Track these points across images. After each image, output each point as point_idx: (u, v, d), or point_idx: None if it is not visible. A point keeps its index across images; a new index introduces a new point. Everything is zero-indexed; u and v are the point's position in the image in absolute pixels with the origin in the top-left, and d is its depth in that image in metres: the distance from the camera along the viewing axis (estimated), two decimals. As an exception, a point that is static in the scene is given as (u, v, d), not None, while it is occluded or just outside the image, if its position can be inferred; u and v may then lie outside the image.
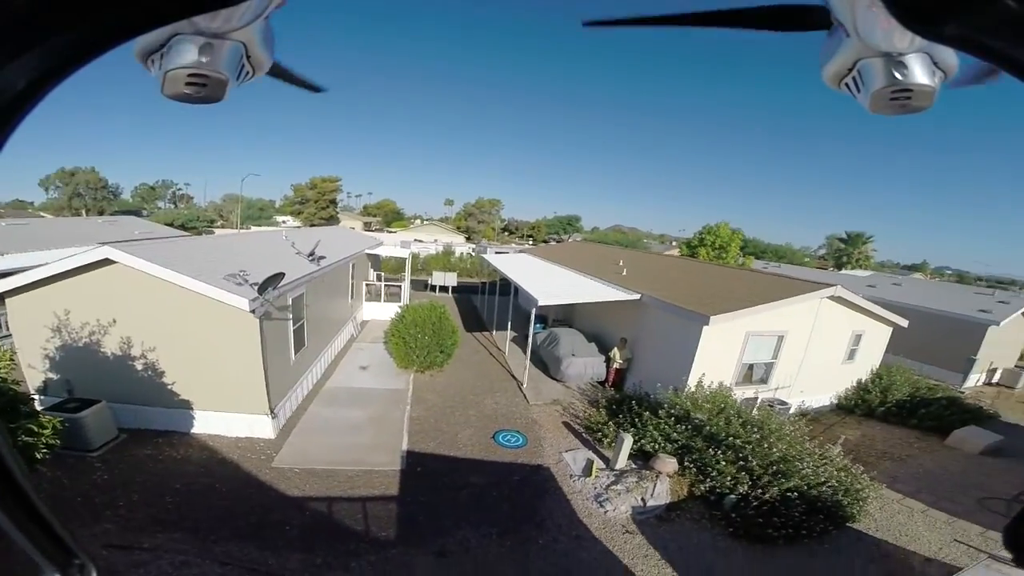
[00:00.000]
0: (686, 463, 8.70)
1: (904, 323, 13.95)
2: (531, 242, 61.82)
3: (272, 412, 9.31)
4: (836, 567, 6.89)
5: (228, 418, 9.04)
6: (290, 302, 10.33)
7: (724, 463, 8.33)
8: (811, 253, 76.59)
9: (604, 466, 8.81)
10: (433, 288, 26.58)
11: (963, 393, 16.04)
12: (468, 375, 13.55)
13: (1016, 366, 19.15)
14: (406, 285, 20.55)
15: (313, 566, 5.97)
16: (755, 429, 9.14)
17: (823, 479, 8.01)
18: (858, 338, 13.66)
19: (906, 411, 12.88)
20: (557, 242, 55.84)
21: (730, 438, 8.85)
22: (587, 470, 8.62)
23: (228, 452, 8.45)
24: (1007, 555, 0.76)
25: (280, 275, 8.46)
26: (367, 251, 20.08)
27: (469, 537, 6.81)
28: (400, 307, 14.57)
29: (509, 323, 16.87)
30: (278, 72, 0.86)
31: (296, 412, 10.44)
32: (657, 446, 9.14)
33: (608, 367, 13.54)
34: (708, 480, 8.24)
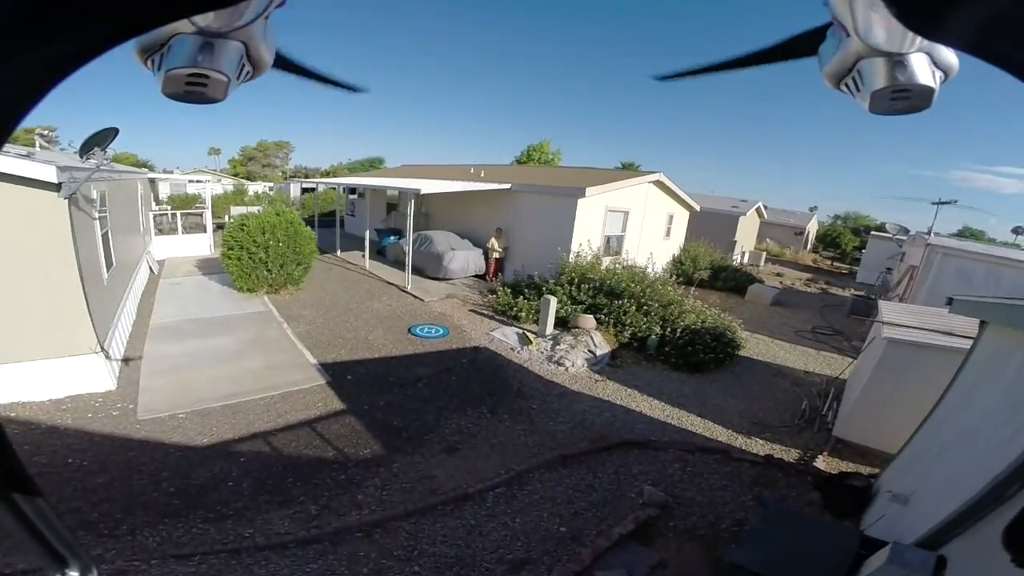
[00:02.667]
0: (600, 318, 9.59)
1: (698, 207, 17.59)
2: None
3: (103, 349, 6.52)
4: (756, 379, 8.71)
5: (30, 371, 5.95)
6: (95, 195, 7.06)
7: (633, 311, 9.51)
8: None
9: (537, 335, 9.05)
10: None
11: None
12: (336, 288, 11.83)
13: (755, 249, 26.46)
14: (208, 215, 16.39)
15: (310, 516, 4.56)
16: (640, 280, 10.60)
17: (706, 318, 9.88)
18: (671, 218, 16.73)
19: (711, 277, 16.59)
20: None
21: (627, 290, 10.08)
22: (523, 341, 8.73)
23: (56, 420, 5.64)
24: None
25: (113, 130, 5.59)
26: (150, 176, 15.48)
27: (464, 424, 6.26)
28: (235, 217, 11.54)
29: (348, 247, 15.16)
30: (313, 75, 0.88)
31: (128, 354, 7.56)
32: (569, 309, 9.79)
33: (487, 258, 13.55)
34: (627, 328, 9.31)
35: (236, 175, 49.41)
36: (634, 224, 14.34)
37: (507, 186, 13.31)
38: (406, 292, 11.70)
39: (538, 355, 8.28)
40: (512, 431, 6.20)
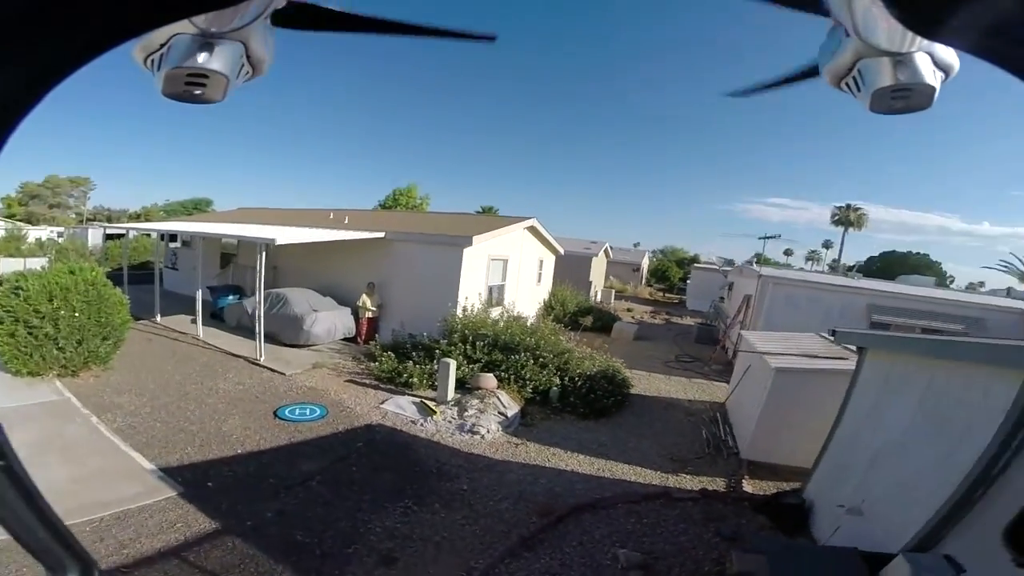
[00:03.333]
0: (499, 375, 8.90)
1: (562, 251, 18.38)
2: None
3: None
4: (655, 416, 8.96)
5: None
6: None
7: (531, 364, 9.06)
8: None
9: (437, 402, 7.92)
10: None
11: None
12: (162, 365, 9.08)
13: (605, 287, 28.67)
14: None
15: None
16: (533, 332, 10.28)
17: (596, 362, 9.90)
18: (541, 263, 17.16)
19: (578, 318, 17.18)
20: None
21: (522, 343, 9.66)
22: (424, 411, 7.53)
23: None
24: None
25: None
26: None
27: (392, 525, 4.89)
28: (6, 276, 8.21)
29: (172, 309, 12.23)
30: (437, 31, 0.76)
31: None
32: (466, 370, 8.93)
33: (358, 318, 11.94)
34: (528, 383, 8.78)
35: (12, 216, 37.80)
36: (512, 272, 14.23)
37: (380, 234, 12.10)
38: (259, 365, 9.52)
39: (446, 425, 7.19)
40: (452, 522, 5.07)
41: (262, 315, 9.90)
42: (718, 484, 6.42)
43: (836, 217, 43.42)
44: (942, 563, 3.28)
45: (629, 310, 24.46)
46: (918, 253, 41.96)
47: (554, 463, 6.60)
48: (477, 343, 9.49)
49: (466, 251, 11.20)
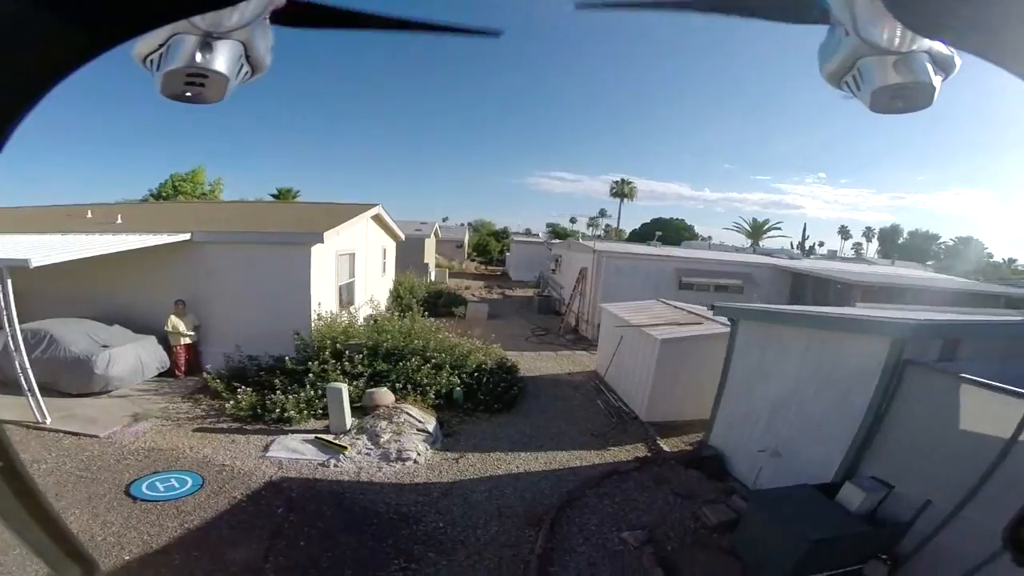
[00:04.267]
0: (392, 387, 8.03)
1: (403, 236, 17.35)
2: None
3: None
4: (552, 397, 9.37)
5: None
6: None
7: (427, 368, 8.43)
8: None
9: (335, 434, 6.69)
10: None
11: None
12: None
13: (437, 267, 27.91)
14: None
15: None
16: (415, 334, 9.54)
17: (489, 353, 9.79)
18: (385, 252, 15.93)
19: (431, 304, 16.59)
20: None
21: (407, 346, 8.91)
22: (328, 449, 6.28)
23: None
24: None
25: None
26: None
27: None
28: None
29: None
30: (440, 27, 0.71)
31: None
32: (351, 388, 7.78)
33: (170, 347, 9.24)
34: (428, 389, 8.13)
35: None
36: (360, 266, 12.83)
37: (184, 236, 9.41)
38: (49, 430, 6.64)
39: (366, 459, 6.14)
40: (459, 566, 4.48)
41: (26, 361, 6.80)
42: (640, 450, 7.13)
43: (614, 190, 51.52)
44: (876, 483, 4.27)
45: (467, 288, 24.81)
46: (679, 219, 52.84)
47: (505, 468, 6.39)
48: (355, 356, 8.34)
49: (315, 249, 9.59)
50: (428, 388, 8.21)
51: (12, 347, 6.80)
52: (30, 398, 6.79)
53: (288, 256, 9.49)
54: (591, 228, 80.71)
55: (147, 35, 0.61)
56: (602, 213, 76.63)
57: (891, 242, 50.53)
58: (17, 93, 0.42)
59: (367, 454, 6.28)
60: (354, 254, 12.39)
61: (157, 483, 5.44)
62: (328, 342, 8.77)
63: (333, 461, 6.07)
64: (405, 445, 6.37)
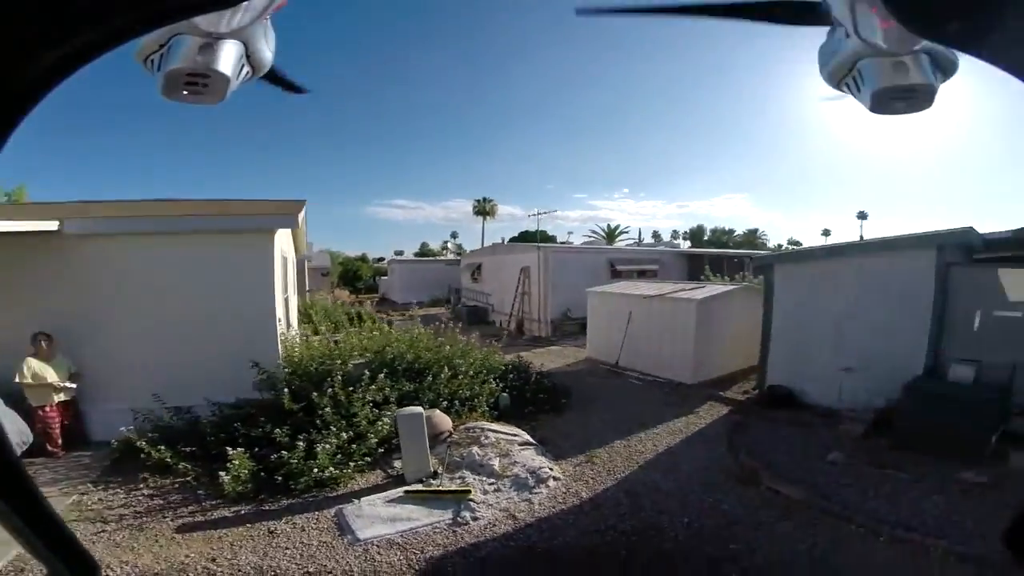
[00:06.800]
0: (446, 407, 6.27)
1: (306, 251, 14.51)
2: None
3: None
4: (597, 387, 8.69)
5: None
6: None
7: (462, 379, 6.92)
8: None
9: (409, 485, 4.69)
10: None
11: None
12: None
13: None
14: None
15: None
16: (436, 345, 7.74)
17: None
18: (287, 263, 12.98)
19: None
20: None
21: (423, 358, 7.18)
22: (437, 502, 4.30)
23: None
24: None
25: None
26: None
27: None
28: None
29: None
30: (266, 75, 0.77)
31: None
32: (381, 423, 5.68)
33: (36, 409, 5.73)
34: (480, 400, 6.69)
35: None
36: (280, 277, 10.07)
37: (51, 226, 6.06)
38: None
39: (504, 498, 4.34)
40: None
41: None
42: (716, 407, 7.34)
43: (476, 208, 52.29)
44: (967, 360, 4.98)
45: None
46: (542, 230, 55.86)
47: (646, 450, 5.77)
48: (376, 376, 6.23)
49: (277, 237, 7.16)
50: (478, 399, 6.64)
51: None
52: None
53: (239, 250, 6.89)
54: (444, 252, 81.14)
55: (147, 36, 0.60)
56: (454, 235, 77.55)
57: (698, 238, 61.59)
58: (16, 94, 0.41)
59: (497, 491, 4.53)
60: (286, 259, 9.75)
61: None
62: (313, 367, 6.49)
63: (468, 516, 4.14)
64: (529, 465, 4.82)
